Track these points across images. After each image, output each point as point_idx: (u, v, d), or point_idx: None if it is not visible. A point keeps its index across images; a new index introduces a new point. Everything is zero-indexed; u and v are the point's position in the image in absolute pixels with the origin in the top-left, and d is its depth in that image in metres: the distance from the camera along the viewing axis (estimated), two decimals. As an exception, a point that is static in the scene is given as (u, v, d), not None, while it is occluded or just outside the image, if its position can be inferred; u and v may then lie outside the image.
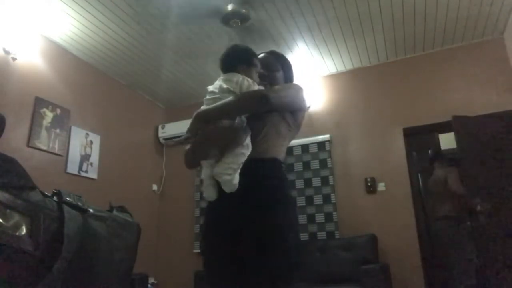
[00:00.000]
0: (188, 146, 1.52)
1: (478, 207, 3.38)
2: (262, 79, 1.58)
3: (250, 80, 1.45)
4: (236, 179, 1.33)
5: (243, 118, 1.41)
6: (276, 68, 1.64)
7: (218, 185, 1.39)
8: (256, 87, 1.46)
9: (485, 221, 3.35)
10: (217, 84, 1.50)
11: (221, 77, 1.53)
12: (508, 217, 3.31)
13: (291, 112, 1.53)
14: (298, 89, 1.56)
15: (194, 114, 1.44)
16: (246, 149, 1.38)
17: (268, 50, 1.75)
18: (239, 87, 1.42)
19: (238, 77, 1.44)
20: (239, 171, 1.35)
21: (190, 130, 1.44)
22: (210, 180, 1.41)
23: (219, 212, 1.43)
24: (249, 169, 1.37)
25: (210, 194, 1.42)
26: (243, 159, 1.36)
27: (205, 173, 1.44)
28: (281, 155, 1.50)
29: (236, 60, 1.53)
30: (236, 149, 1.36)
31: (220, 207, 1.42)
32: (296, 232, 1.44)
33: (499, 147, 3.45)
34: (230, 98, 1.40)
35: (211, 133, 1.38)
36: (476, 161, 3.48)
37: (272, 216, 1.35)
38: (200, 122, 1.41)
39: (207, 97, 1.49)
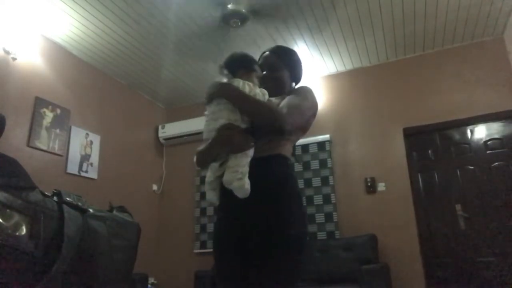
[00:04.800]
0: (200, 147, 1.53)
1: None
2: (265, 81, 1.56)
3: (251, 84, 1.46)
4: (247, 183, 1.33)
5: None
6: (279, 67, 1.61)
7: (219, 189, 1.44)
8: (257, 90, 1.46)
9: None
10: None
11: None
12: None
13: None
14: (312, 100, 1.55)
15: (223, 84, 1.46)
16: (249, 151, 1.39)
17: (273, 46, 1.71)
18: None
19: (238, 82, 1.45)
20: (247, 175, 1.34)
21: (210, 95, 1.46)
22: (211, 184, 1.45)
23: (227, 212, 1.46)
24: (253, 167, 1.37)
25: (211, 198, 1.45)
26: (246, 160, 1.37)
27: (208, 177, 1.47)
28: (286, 151, 1.49)
29: (235, 66, 1.52)
30: (236, 154, 1.38)
31: (227, 207, 1.45)
32: (302, 225, 1.43)
33: None
34: (257, 99, 1.42)
35: (226, 138, 1.39)
36: None
37: (278, 209, 1.35)
38: (220, 93, 1.44)
39: (210, 104, 1.51)
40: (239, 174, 1.33)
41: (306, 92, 1.56)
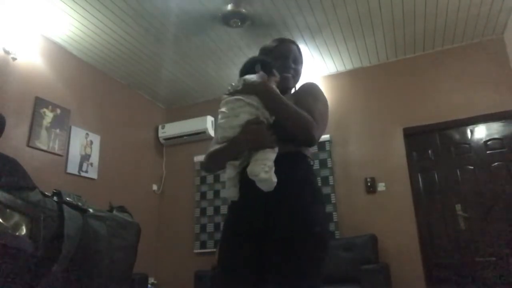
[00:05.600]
0: (213, 148, 1.48)
1: None
2: (287, 71, 1.58)
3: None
4: (274, 176, 1.28)
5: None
6: (301, 61, 1.66)
7: (241, 185, 1.39)
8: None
9: None
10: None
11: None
12: None
13: None
14: (326, 100, 1.55)
15: (262, 83, 1.39)
16: (276, 148, 1.36)
17: (289, 39, 1.73)
18: None
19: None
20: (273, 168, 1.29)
21: (246, 86, 1.39)
22: (233, 181, 1.40)
23: (242, 210, 1.40)
24: (275, 164, 1.32)
25: (232, 194, 1.40)
26: (273, 156, 1.32)
27: (228, 174, 1.40)
28: (306, 150, 1.47)
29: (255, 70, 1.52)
30: (266, 148, 1.33)
31: (243, 205, 1.39)
32: (325, 223, 1.42)
33: None
34: (296, 107, 1.38)
35: (256, 133, 1.33)
36: None
37: (303, 207, 1.33)
38: (260, 89, 1.37)
39: (227, 99, 1.45)
40: (266, 167, 1.28)
41: (319, 93, 1.54)
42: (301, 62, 1.66)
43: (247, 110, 1.37)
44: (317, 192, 1.42)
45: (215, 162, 1.50)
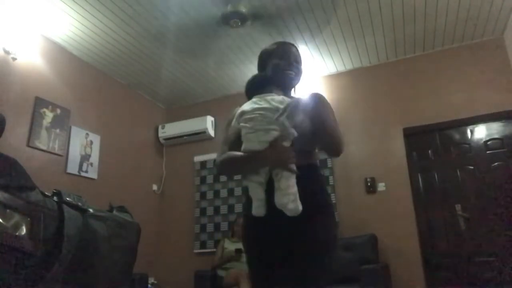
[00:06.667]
0: (233, 154, 1.52)
1: None
2: (290, 69, 1.66)
3: (285, 98, 1.55)
4: (300, 204, 1.38)
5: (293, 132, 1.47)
6: (301, 61, 1.74)
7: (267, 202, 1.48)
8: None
9: None
10: (261, 102, 1.53)
11: (262, 97, 1.56)
12: None
13: None
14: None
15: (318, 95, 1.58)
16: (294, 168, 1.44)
17: (288, 42, 1.81)
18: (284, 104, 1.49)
19: (278, 96, 1.53)
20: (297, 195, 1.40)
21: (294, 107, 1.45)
22: (261, 201, 1.45)
23: (266, 225, 1.47)
24: None
25: (260, 211, 1.45)
26: (294, 180, 1.41)
27: (255, 192, 1.46)
28: (316, 159, 1.60)
29: (268, 84, 1.63)
30: (286, 171, 1.41)
31: (266, 221, 1.46)
32: (337, 227, 1.56)
33: None
34: (331, 119, 1.53)
35: (282, 156, 1.42)
36: None
37: (323, 219, 1.46)
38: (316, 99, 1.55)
39: (251, 115, 1.51)
40: (292, 196, 1.38)
41: (330, 108, 1.63)
42: (302, 62, 1.73)
43: (276, 128, 1.44)
44: (331, 202, 1.57)
45: (231, 170, 1.59)
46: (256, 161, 1.46)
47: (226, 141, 1.62)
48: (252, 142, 1.47)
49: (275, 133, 1.43)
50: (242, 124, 1.52)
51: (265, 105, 1.50)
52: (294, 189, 1.39)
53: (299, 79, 1.71)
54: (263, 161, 1.44)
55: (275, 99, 1.51)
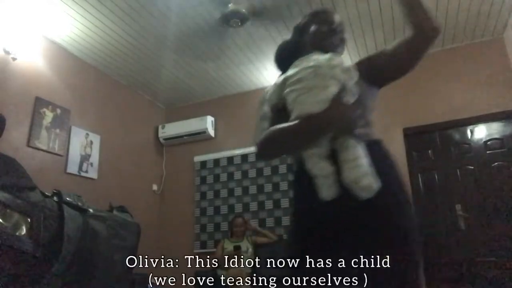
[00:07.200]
0: (268, 130, 1.22)
1: None
2: (334, 35, 1.47)
3: (337, 55, 1.36)
4: (376, 180, 1.09)
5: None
6: (344, 29, 1.56)
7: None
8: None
9: None
10: (307, 62, 1.27)
11: (306, 58, 1.31)
12: None
13: None
14: None
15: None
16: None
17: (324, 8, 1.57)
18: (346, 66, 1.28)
19: (327, 54, 1.31)
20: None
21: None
22: (330, 177, 1.12)
23: (331, 213, 1.16)
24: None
25: (331, 191, 1.13)
26: (362, 151, 1.13)
27: (319, 168, 1.14)
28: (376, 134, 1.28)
29: (310, 48, 1.40)
30: (352, 139, 1.13)
31: (330, 207, 1.14)
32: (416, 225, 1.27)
33: None
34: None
35: (347, 111, 1.14)
36: None
37: (399, 203, 1.18)
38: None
39: (300, 75, 1.24)
40: (364, 168, 1.09)
41: None
42: (345, 31, 1.53)
43: (335, 83, 1.19)
44: (402, 187, 1.24)
45: (280, 146, 1.25)
46: (316, 126, 1.14)
47: (265, 117, 1.31)
48: (307, 104, 1.17)
49: (334, 89, 1.17)
50: (289, 89, 1.23)
51: (313, 63, 1.24)
52: (366, 160, 1.10)
53: (343, 49, 1.48)
54: (324, 124, 1.14)
55: (323, 56, 1.27)
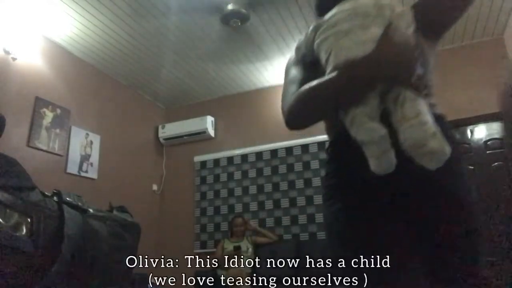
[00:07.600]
0: (300, 90, 0.96)
1: None
2: None
3: None
4: (447, 143, 0.81)
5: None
6: None
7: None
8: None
9: None
10: (348, 4, 0.98)
11: (348, 1, 1.01)
12: None
13: None
14: None
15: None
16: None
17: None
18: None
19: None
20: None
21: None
22: (384, 143, 0.84)
23: (386, 191, 0.91)
24: None
25: (388, 161, 0.84)
26: (425, 105, 0.86)
27: (370, 131, 0.86)
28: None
29: None
30: (411, 91, 0.84)
31: (386, 183, 0.88)
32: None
33: None
34: None
35: (403, 46, 0.84)
36: None
37: (464, 184, 0.94)
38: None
39: (337, 17, 0.97)
40: (430, 126, 0.81)
41: None
42: None
43: (382, 21, 0.90)
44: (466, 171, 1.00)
45: (315, 106, 0.96)
46: (360, 75, 0.87)
47: (294, 79, 1.06)
48: (346, 49, 0.91)
49: (380, 28, 0.89)
50: (322, 36, 0.97)
51: (355, 4, 0.97)
52: (429, 117, 0.82)
53: None
54: (371, 71, 0.86)
55: None
